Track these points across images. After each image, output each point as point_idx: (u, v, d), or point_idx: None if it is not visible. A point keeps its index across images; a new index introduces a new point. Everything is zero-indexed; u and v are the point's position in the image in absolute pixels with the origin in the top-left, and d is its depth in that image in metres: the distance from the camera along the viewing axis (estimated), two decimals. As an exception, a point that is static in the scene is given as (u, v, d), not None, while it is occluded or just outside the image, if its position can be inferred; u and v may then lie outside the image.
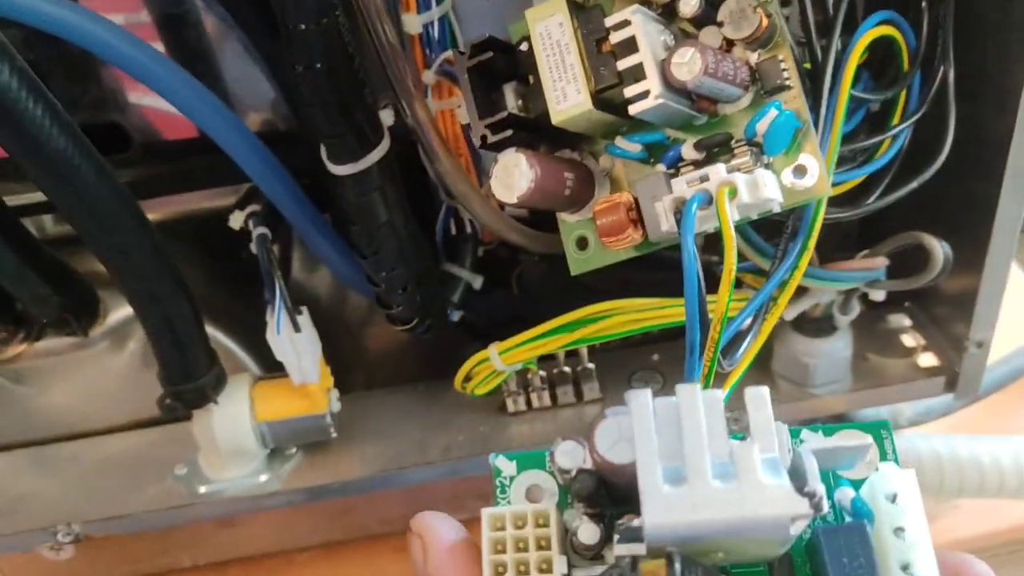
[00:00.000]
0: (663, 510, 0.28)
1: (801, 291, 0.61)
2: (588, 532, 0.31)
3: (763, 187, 0.41)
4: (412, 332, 0.62)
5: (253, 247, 0.60)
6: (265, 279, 0.59)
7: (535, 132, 0.47)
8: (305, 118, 0.51)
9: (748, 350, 0.47)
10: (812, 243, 0.47)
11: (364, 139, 0.53)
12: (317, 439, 0.62)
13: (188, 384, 0.58)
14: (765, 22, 0.43)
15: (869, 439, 0.34)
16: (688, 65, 0.41)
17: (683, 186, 0.43)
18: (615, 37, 0.43)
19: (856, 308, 0.62)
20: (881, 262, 0.56)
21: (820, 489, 0.28)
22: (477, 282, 0.66)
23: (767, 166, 0.44)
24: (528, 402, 0.65)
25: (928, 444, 0.69)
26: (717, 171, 0.42)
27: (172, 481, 0.63)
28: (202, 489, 0.63)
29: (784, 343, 0.65)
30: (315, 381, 0.59)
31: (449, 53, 0.56)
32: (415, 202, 0.60)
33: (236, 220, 0.61)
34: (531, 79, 0.46)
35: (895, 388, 0.63)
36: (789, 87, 0.44)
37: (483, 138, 0.46)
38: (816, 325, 0.63)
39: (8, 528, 0.62)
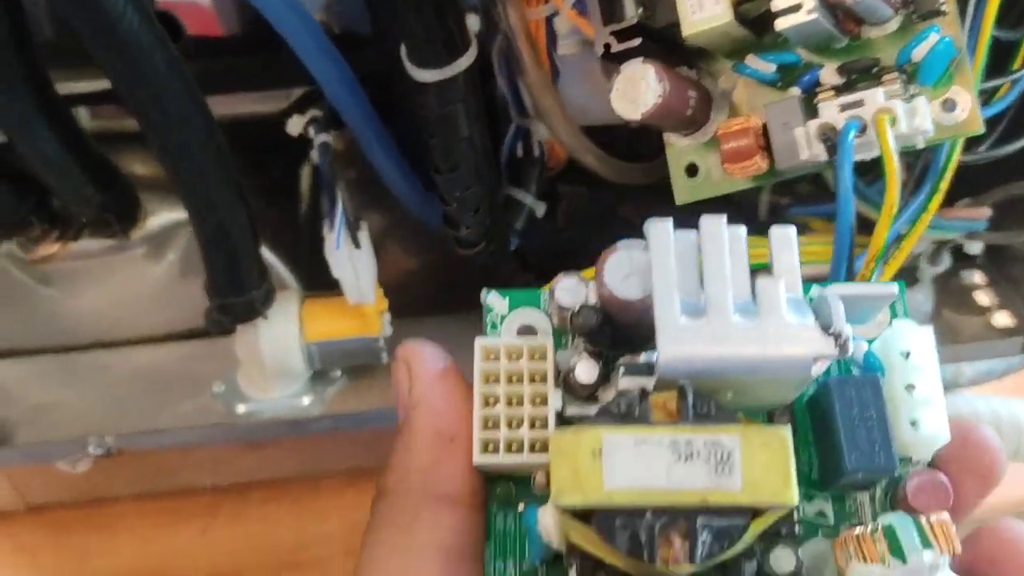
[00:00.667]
0: (680, 342, 0.26)
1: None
2: (586, 369, 0.29)
3: (920, 117, 0.38)
4: (475, 256, 0.58)
5: (314, 155, 0.56)
6: (325, 190, 0.55)
7: (657, 44, 0.43)
8: (391, 14, 0.47)
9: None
10: (945, 185, 0.44)
11: (453, 44, 0.49)
12: (367, 361, 0.58)
13: (238, 297, 0.54)
14: (927, -64, 0.39)
15: (895, 288, 0.32)
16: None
17: (833, 112, 0.39)
18: None
19: (946, 261, 0.59)
20: (985, 212, 0.53)
21: (847, 330, 0.27)
22: (540, 209, 0.62)
23: (913, 97, 0.40)
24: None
25: (988, 405, 0.67)
26: (875, 97, 0.38)
27: (210, 397, 0.59)
28: (241, 408, 0.59)
29: (859, 292, 0.62)
30: (372, 302, 0.55)
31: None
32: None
33: (295, 125, 0.57)
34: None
35: (971, 347, 0.61)
36: (944, 12, 0.40)
37: (607, 46, 0.42)
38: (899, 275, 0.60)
39: (32, 437, 0.58)
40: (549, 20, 0.55)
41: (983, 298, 0.65)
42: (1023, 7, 0.50)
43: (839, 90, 0.41)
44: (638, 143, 0.62)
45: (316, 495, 0.71)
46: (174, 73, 0.44)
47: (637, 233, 0.66)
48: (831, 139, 0.38)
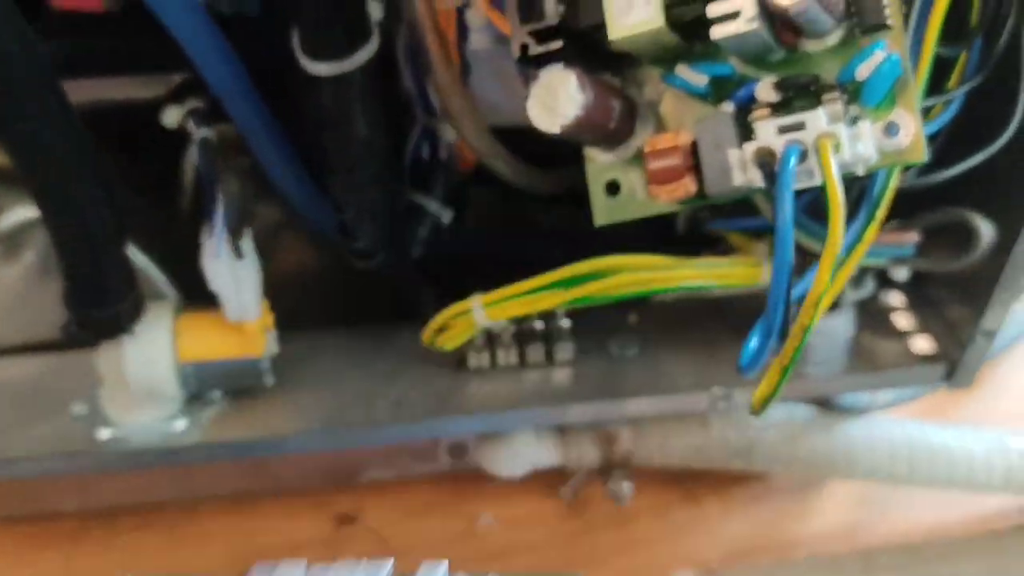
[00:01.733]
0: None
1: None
2: None
3: (864, 142, 0.35)
4: (369, 267, 0.53)
5: (193, 152, 0.50)
6: (206, 192, 0.49)
7: (577, 47, 0.39)
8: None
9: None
10: (881, 215, 0.41)
11: (351, 33, 0.43)
12: (249, 384, 0.52)
13: (100, 310, 0.48)
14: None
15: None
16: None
17: (771, 133, 0.35)
18: None
19: (870, 286, 0.56)
20: (913, 237, 0.51)
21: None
22: (446, 216, 0.58)
23: (855, 119, 0.37)
24: (493, 359, 0.58)
25: (902, 430, 0.65)
26: (816, 119, 0.35)
27: (69, 420, 0.53)
28: (104, 433, 0.53)
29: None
30: (255, 318, 0.49)
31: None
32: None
33: (171, 116, 0.51)
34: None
35: (890, 374, 0.58)
36: (890, 26, 0.37)
37: (523, 48, 0.37)
38: (819, 299, 0.57)
39: None
40: (460, 12, 0.50)
41: (902, 321, 0.62)
42: (963, 18, 0.48)
43: (776, 108, 0.37)
44: (555, 146, 0.57)
45: (193, 521, 0.65)
46: (22, 47, 0.38)
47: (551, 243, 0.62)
48: (768, 165, 0.34)
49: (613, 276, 0.48)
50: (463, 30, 0.51)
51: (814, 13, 0.35)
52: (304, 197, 0.56)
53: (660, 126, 0.41)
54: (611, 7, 0.36)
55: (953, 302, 0.59)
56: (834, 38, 0.38)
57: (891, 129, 0.37)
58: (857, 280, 0.56)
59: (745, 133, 0.37)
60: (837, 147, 0.34)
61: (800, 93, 0.37)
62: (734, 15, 0.35)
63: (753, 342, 0.34)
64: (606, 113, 0.38)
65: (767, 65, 0.39)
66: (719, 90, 0.39)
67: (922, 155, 0.37)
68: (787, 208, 0.32)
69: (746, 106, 0.38)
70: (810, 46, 0.38)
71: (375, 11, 0.46)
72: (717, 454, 0.66)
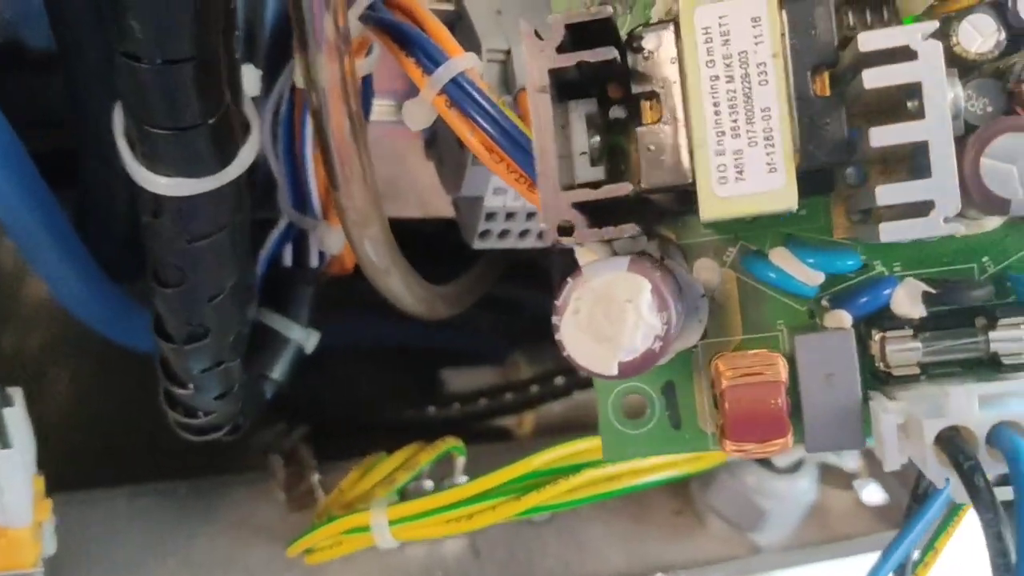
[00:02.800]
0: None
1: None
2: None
3: None
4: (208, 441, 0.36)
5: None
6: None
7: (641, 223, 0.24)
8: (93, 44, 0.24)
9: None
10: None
11: (226, 131, 0.26)
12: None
13: None
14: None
15: None
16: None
17: (966, 403, 0.22)
18: (873, 78, 0.21)
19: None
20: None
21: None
22: (311, 343, 0.41)
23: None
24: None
25: None
26: None
27: None
28: None
29: (731, 472, 0.46)
30: (25, 523, 0.31)
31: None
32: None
33: None
34: (656, 110, 0.22)
35: (846, 543, 0.48)
36: None
37: (564, 229, 0.22)
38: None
39: None
40: (366, 80, 0.34)
41: (849, 463, 0.52)
42: None
43: (921, 329, 0.24)
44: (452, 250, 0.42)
45: None
46: None
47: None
48: (970, 462, 0.21)
49: (577, 475, 0.34)
50: (367, 104, 0.34)
51: (1022, 207, 0.22)
52: (101, 309, 0.38)
53: (717, 320, 0.27)
54: (706, 169, 0.22)
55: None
56: (995, 221, 0.25)
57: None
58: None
59: (871, 365, 0.24)
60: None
61: (959, 303, 0.24)
62: (923, 208, 0.21)
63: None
64: (677, 324, 0.23)
65: (892, 250, 0.25)
66: (831, 287, 0.25)
67: None
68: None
69: (876, 321, 0.24)
70: (959, 227, 0.25)
71: (251, 82, 0.29)
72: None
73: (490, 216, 0.37)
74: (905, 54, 0.21)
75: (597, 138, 0.24)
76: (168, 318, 0.29)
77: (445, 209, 0.43)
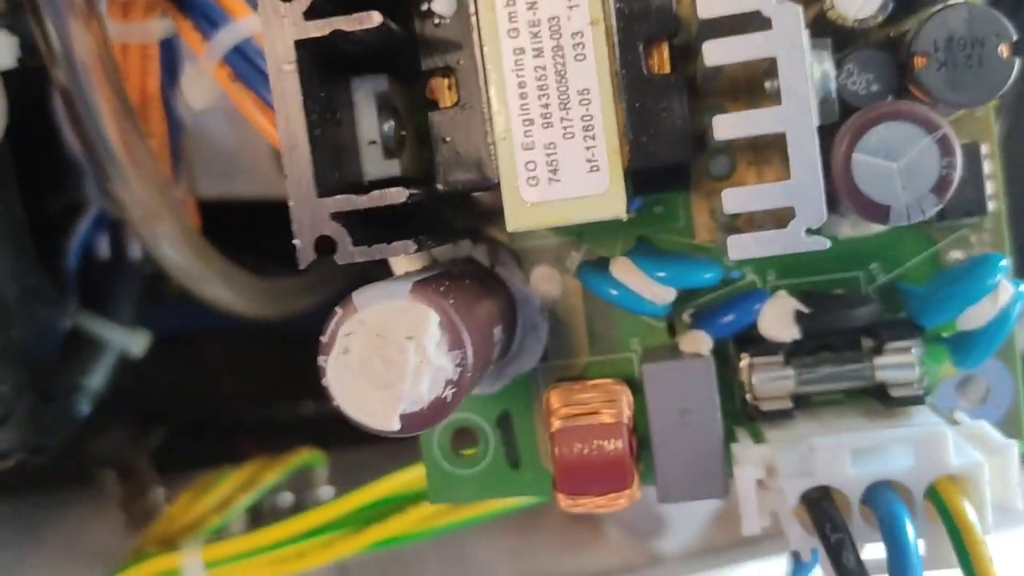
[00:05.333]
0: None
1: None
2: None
3: (1011, 478, 0.18)
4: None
5: None
6: None
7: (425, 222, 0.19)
8: None
9: None
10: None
11: None
12: None
13: None
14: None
15: None
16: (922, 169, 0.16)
17: (839, 463, 0.17)
18: (714, 53, 0.16)
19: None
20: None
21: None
22: (138, 344, 0.35)
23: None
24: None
25: None
26: (936, 444, 0.17)
27: None
28: None
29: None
30: None
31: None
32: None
33: None
34: (453, 91, 0.18)
35: (755, 547, 0.44)
36: (986, 212, 0.20)
37: (324, 246, 0.17)
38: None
39: None
40: (168, 45, 0.28)
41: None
42: None
43: (794, 355, 0.20)
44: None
45: None
46: None
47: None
48: (838, 536, 0.17)
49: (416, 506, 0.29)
50: (171, 72, 0.29)
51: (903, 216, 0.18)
52: None
53: (560, 338, 0.22)
54: (511, 168, 0.17)
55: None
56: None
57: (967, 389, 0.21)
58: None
59: (740, 394, 0.19)
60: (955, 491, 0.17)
61: (837, 324, 0.20)
62: (780, 215, 0.17)
63: None
64: (482, 363, 0.18)
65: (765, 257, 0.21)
66: (686, 303, 0.21)
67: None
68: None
69: (743, 340, 0.20)
70: (844, 228, 0.21)
71: (3, 53, 0.23)
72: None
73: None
74: (758, 22, 0.16)
75: (391, 123, 0.19)
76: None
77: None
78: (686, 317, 0.21)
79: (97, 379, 0.34)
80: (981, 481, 0.17)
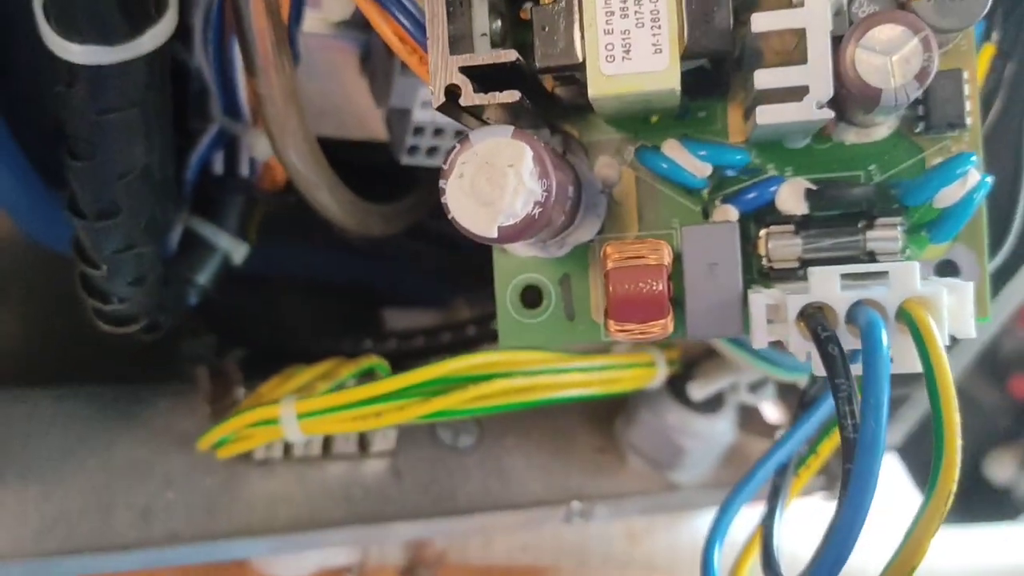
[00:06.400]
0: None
1: (717, 365, 0.44)
2: None
3: (966, 311, 0.23)
4: (128, 335, 0.36)
5: None
6: None
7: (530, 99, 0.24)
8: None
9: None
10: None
11: (138, 4, 0.27)
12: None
13: None
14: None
15: None
16: (909, 62, 0.21)
17: (828, 284, 0.22)
18: None
19: (769, 390, 0.46)
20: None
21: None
22: (239, 253, 0.41)
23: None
24: (286, 448, 0.42)
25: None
26: (906, 276, 0.22)
27: None
28: None
29: (652, 410, 0.47)
30: None
31: None
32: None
33: None
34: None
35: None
36: (965, 126, 0.26)
37: (451, 91, 0.22)
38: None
39: None
40: None
41: (771, 413, 0.53)
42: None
43: (803, 226, 0.25)
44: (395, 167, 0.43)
45: None
46: None
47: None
48: (824, 330, 0.22)
49: (487, 382, 0.34)
50: (297, 11, 0.35)
51: (892, 98, 0.23)
52: (26, 201, 0.38)
53: (620, 221, 0.27)
54: (595, 48, 0.22)
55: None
56: (884, 129, 0.26)
57: (949, 269, 0.26)
58: (756, 383, 0.46)
59: (755, 262, 0.24)
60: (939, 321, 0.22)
61: (842, 207, 0.25)
62: (797, 92, 0.22)
63: None
64: (560, 205, 0.24)
65: (785, 155, 0.26)
66: (720, 181, 0.26)
67: (987, 312, 0.26)
68: (880, 432, 0.20)
69: (759, 216, 0.25)
70: (849, 135, 0.26)
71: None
72: (546, 553, 0.54)
73: (418, 131, 0.38)
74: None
75: (499, 22, 0.24)
76: (79, 194, 0.29)
77: (382, 131, 0.43)
78: (718, 202, 0.27)
79: (204, 276, 0.40)
80: (941, 305, 0.22)
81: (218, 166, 0.40)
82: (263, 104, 0.31)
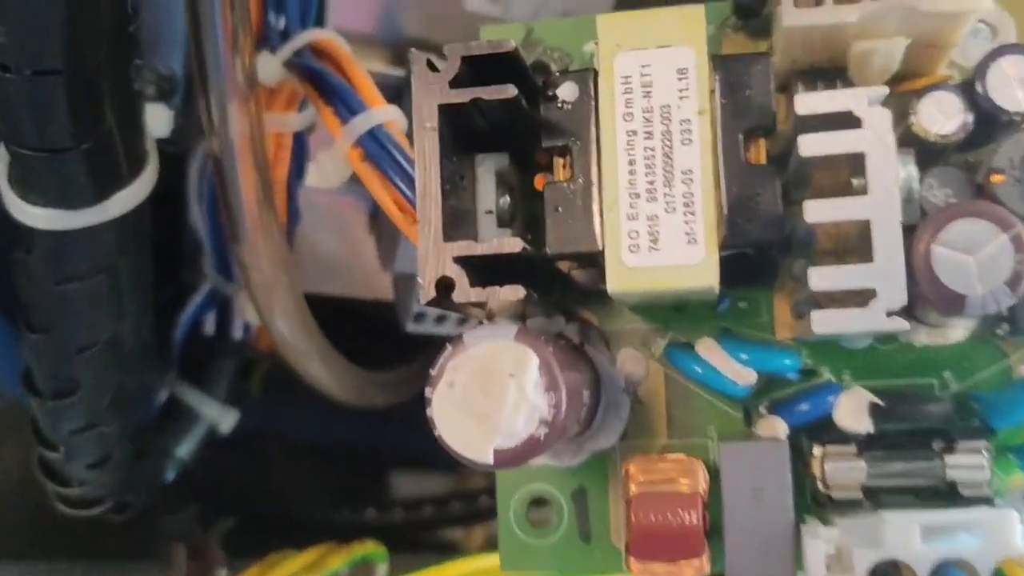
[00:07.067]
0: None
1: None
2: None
3: None
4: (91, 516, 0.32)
5: None
6: None
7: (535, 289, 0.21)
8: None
9: None
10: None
11: (108, 161, 0.24)
12: None
13: None
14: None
15: None
16: (997, 262, 0.18)
17: (907, 533, 0.18)
18: (810, 145, 0.18)
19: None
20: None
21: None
22: (227, 422, 0.37)
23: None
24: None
25: None
26: (1004, 524, 0.18)
27: None
28: None
29: None
30: None
31: (324, 35, 0.28)
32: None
33: None
34: (568, 168, 0.20)
35: None
36: None
37: (443, 286, 0.19)
38: None
39: None
40: (299, 139, 0.31)
41: None
42: None
43: (866, 447, 0.21)
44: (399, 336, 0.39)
45: None
46: None
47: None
48: None
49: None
50: (299, 165, 0.32)
51: (979, 306, 0.19)
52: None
53: (640, 420, 0.23)
54: (616, 235, 0.19)
55: None
56: (961, 330, 0.22)
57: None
58: None
59: (811, 484, 0.20)
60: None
61: (911, 424, 0.21)
62: (862, 295, 0.18)
63: None
64: (575, 413, 0.20)
65: (843, 356, 0.22)
66: (765, 392, 0.22)
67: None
68: None
69: (813, 436, 0.21)
70: (920, 335, 0.22)
71: (160, 121, 0.27)
72: None
73: (426, 297, 0.35)
74: (849, 121, 0.18)
75: (507, 198, 0.21)
76: (35, 369, 0.26)
77: (391, 292, 0.40)
78: (762, 409, 0.23)
79: (185, 448, 0.36)
80: (1048, 567, 0.17)
81: (209, 326, 0.36)
82: (248, 272, 0.28)
